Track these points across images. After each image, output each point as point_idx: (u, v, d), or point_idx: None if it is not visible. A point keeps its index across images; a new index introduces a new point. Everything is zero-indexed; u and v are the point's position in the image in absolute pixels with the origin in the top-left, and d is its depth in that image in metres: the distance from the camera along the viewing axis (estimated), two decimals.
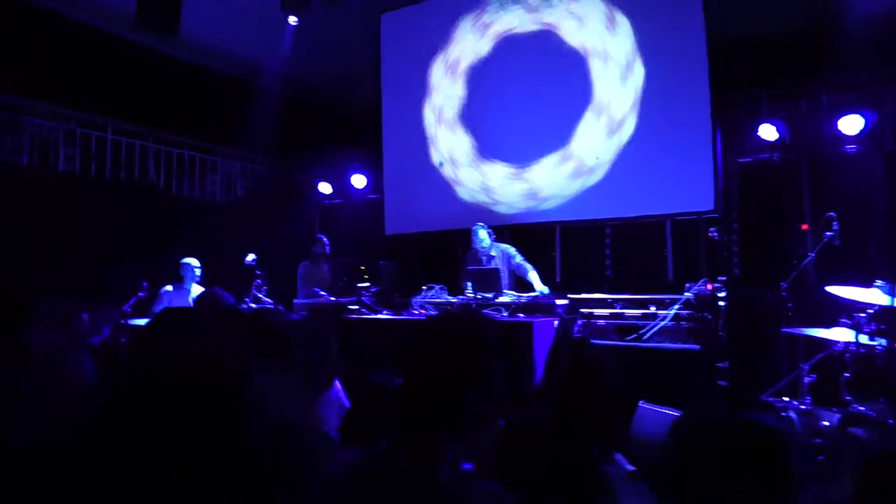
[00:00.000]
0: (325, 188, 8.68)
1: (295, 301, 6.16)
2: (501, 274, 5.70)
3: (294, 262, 6.73)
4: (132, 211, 7.32)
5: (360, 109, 8.57)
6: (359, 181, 8.38)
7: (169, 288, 5.97)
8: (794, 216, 5.82)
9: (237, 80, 8.93)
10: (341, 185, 8.62)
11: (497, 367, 1.43)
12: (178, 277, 6.01)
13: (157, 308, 5.80)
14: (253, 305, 5.78)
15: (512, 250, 5.92)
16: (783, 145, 6.09)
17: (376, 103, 8.14)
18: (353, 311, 5.63)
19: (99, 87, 7.35)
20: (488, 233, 5.92)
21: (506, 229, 6.57)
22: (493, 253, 5.88)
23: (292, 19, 7.60)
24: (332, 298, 6.00)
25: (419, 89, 7.77)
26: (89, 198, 7.06)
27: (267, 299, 5.89)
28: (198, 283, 6.01)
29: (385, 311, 5.60)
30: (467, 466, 1.92)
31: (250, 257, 6.04)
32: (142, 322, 5.37)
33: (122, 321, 5.42)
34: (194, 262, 6.05)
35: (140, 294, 5.65)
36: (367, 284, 5.93)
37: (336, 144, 8.66)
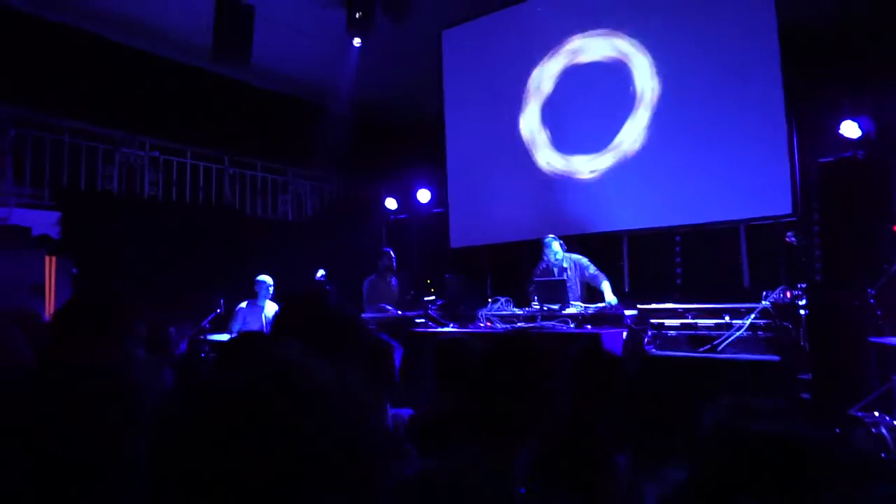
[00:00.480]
0: (391, 203, 8.86)
1: (363, 316, 6.29)
2: (574, 285, 5.64)
3: (362, 277, 6.89)
4: (210, 231, 7.71)
5: (424, 125, 8.70)
6: (423, 195, 8.49)
7: (243, 305, 6.22)
8: (883, 217, 5.45)
9: (305, 102, 9.29)
10: (407, 199, 8.77)
11: (554, 382, 1.48)
12: (253, 294, 6.25)
13: (233, 324, 6.06)
14: None
15: (585, 261, 5.84)
16: (868, 142, 5.73)
17: (439, 119, 8.24)
18: (419, 325, 5.69)
19: (177, 115, 7.83)
20: (560, 244, 5.85)
21: (572, 239, 6.47)
22: (565, 265, 5.81)
23: (357, 41, 7.83)
24: (399, 312, 6.08)
25: (481, 102, 7.81)
26: (171, 220, 7.50)
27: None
28: (271, 299, 6.24)
29: (451, 325, 5.62)
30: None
31: (320, 273, 6.23)
32: (220, 337, 5.62)
33: (201, 336, 5.69)
34: (268, 279, 6.28)
35: (218, 310, 5.92)
36: (433, 298, 5.98)
37: (401, 160, 8.83)
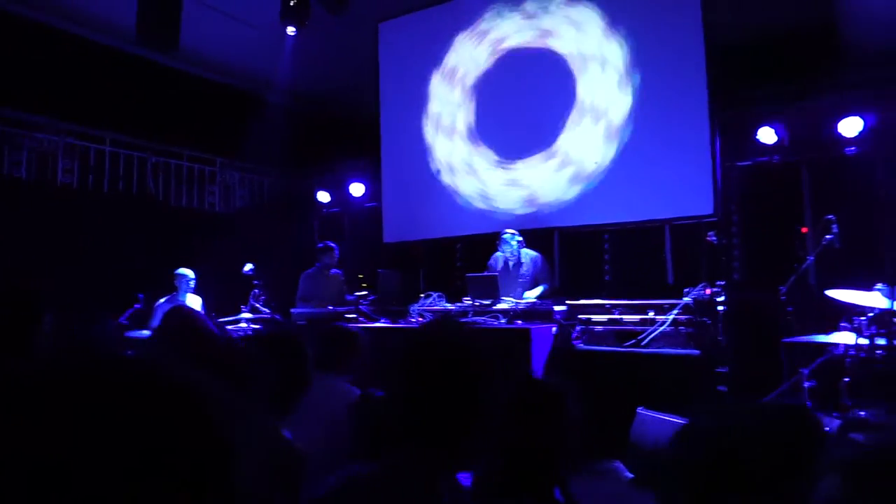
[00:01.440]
0: (323, 197, 8.69)
1: (292, 311, 6.13)
2: (526, 281, 5.69)
3: (292, 271, 6.71)
4: (130, 223, 7.33)
5: (360, 118, 8.58)
6: (357, 189, 8.37)
7: (162, 300, 5.96)
8: (794, 219, 5.77)
9: (238, 90, 8.98)
10: (340, 193, 8.62)
11: (489, 378, 1.40)
12: (174, 289, 5.99)
13: (154, 321, 5.80)
14: (249, 315, 5.77)
15: (542, 261, 5.90)
16: (782, 148, 6.06)
17: (374, 112, 8.14)
18: (350, 320, 5.60)
19: (97, 100, 7.38)
20: (519, 240, 5.84)
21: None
22: (522, 259, 5.85)
23: (291, 30, 7.62)
24: (330, 307, 5.97)
25: (417, 97, 7.78)
26: (87, 210, 7.08)
27: (265, 309, 5.87)
28: (192, 293, 6.00)
29: (383, 320, 5.57)
30: (466, 482, 1.87)
31: (248, 267, 6.02)
32: (141, 334, 5.36)
33: (122, 333, 5.42)
34: (188, 272, 6.04)
35: (136, 306, 5.64)
36: (364, 293, 5.91)
37: (335, 153, 8.68)
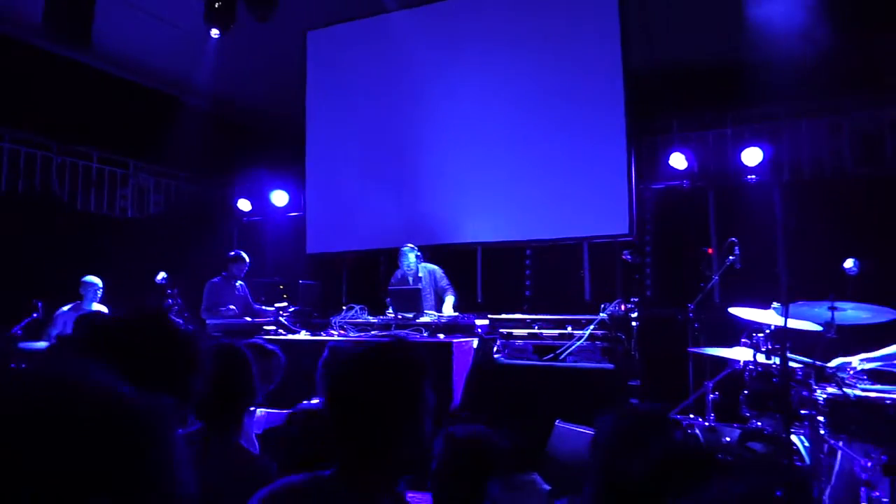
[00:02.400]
0: (244, 205, 8.44)
1: (209, 322, 5.90)
2: (427, 294, 5.72)
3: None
4: (31, 225, 6.84)
5: (283, 127, 8.42)
6: (280, 198, 8.19)
7: (65, 308, 5.59)
8: (702, 240, 6.11)
9: (156, 92, 8.60)
10: (261, 202, 8.40)
11: (427, 393, 1.44)
12: (79, 297, 5.64)
13: (53, 329, 5.43)
14: None
15: (439, 272, 5.98)
16: (692, 174, 6.43)
17: (300, 121, 8.01)
18: (269, 332, 5.45)
19: None
20: (417, 255, 5.93)
21: (428, 249, 6.57)
22: (420, 274, 5.90)
23: (214, 32, 7.40)
24: (248, 319, 5.79)
25: (345, 109, 7.71)
26: None
27: (178, 319, 5.61)
28: (98, 302, 5.66)
29: (303, 332, 5.45)
30: (410, 495, 1.87)
31: (161, 276, 5.74)
32: (35, 346, 5.00)
33: (14, 345, 5.02)
34: (96, 280, 5.70)
35: (34, 315, 5.26)
36: (285, 304, 5.77)
37: (258, 161, 8.46)
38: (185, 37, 7.39)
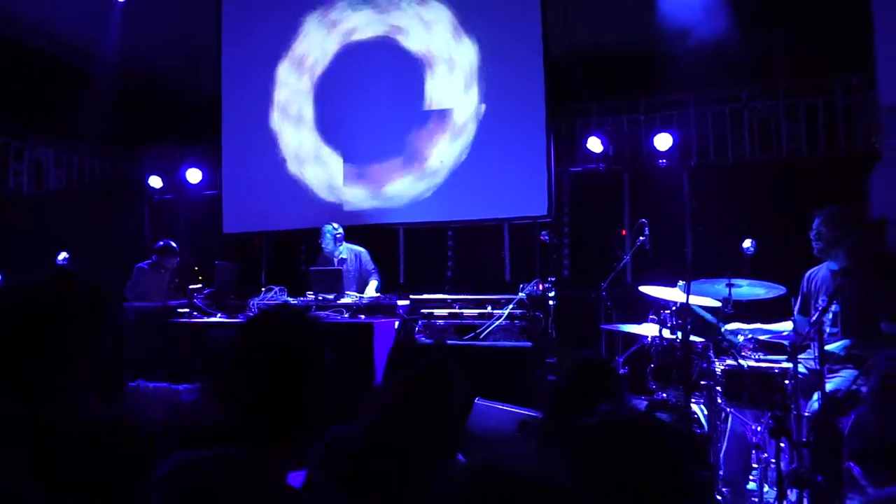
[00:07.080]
0: (155, 182, 8.03)
1: (125, 304, 5.61)
2: (351, 276, 5.65)
3: (120, 262, 6.12)
4: None
5: (197, 100, 8.04)
6: (194, 176, 7.85)
7: None
8: (616, 222, 6.35)
9: (55, 59, 7.99)
10: (174, 179, 8.02)
11: (324, 369, 1.39)
12: None
13: None
14: None
15: (366, 255, 5.90)
16: (607, 157, 6.66)
17: (215, 94, 7.68)
18: (182, 315, 5.25)
19: None
20: (336, 235, 5.80)
21: (349, 229, 6.51)
22: (344, 255, 5.79)
23: None
24: (159, 303, 5.56)
25: (263, 82, 7.46)
26: None
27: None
28: None
29: (219, 314, 5.29)
30: (296, 474, 1.85)
31: (62, 256, 5.42)
32: None
33: None
34: None
35: None
36: (199, 286, 5.57)
37: (171, 136, 8.06)
38: (88, 0, 6.91)
